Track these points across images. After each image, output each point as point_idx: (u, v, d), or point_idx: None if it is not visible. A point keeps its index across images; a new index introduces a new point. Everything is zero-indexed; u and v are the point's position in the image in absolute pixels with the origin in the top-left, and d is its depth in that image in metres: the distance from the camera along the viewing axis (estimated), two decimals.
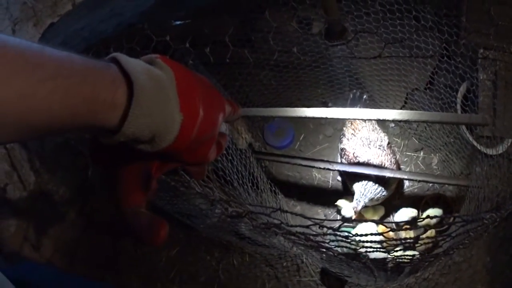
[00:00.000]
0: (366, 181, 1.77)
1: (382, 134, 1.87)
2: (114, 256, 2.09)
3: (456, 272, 1.77)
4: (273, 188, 1.97)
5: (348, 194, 1.95)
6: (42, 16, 1.17)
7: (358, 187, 1.79)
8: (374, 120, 1.84)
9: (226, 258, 2.03)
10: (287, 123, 2.14)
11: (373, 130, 1.88)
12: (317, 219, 0.87)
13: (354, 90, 1.96)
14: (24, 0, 1.14)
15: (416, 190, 1.97)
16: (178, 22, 1.51)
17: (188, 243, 2.07)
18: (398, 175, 1.77)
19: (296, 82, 1.94)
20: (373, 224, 1.86)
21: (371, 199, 1.78)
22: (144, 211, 0.53)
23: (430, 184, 1.96)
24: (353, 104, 1.94)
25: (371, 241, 1.05)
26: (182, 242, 2.07)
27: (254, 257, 2.01)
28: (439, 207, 1.86)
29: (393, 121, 1.41)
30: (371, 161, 1.79)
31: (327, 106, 2.11)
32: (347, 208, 1.91)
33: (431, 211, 1.85)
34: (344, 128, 1.97)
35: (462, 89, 1.62)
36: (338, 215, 1.98)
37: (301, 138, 2.18)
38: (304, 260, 1.90)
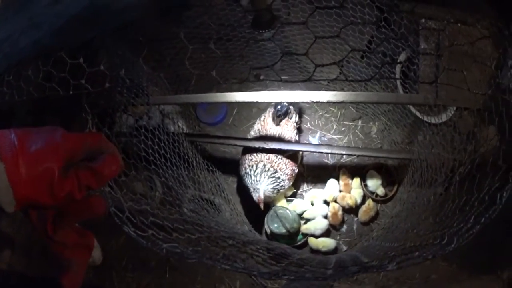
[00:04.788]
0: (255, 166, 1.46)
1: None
2: None
3: None
4: (210, 168, 1.67)
5: None
6: None
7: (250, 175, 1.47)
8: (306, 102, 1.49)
9: None
10: None
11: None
12: None
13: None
14: None
15: (356, 160, 1.67)
16: None
17: None
18: (336, 150, 1.46)
19: (226, 56, 1.57)
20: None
21: (273, 190, 1.47)
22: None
23: None
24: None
25: None
26: None
27: None
28: (379, 179, 1.59)
29: (327, 103, 1.08)
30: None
31: (259, 79, 1.77)
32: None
33: (372, 184, 1.58)
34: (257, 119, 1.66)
35: (401, 59, 1.30)
36: None
37: (234, 113, 1.83)
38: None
